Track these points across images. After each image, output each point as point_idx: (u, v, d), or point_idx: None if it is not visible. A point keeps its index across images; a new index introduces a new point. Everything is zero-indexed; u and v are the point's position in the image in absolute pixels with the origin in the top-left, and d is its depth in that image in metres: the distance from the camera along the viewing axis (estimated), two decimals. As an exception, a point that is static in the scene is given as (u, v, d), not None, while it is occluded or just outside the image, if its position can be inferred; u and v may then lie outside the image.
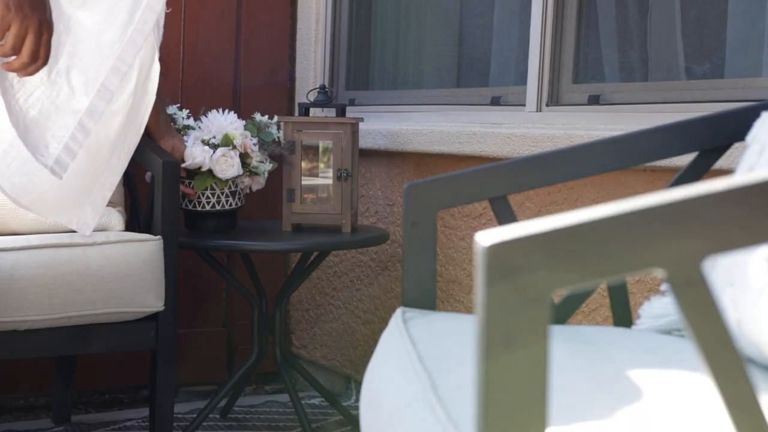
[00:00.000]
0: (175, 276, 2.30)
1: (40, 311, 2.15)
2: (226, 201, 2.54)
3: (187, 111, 2.63)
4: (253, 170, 2.55)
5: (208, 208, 2.53)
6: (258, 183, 2.62)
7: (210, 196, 2.52)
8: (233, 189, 2.54)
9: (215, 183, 2.51)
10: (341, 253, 3.02)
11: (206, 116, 2.58)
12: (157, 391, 2.31)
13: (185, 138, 2.53)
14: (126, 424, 2.76)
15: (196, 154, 2.49)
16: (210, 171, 2.49)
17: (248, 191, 2.63)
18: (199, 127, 2.55)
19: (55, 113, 1.89)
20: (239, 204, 2.57)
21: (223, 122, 2.54)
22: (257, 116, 2.62)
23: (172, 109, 2.61)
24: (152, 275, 2.26)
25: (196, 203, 2.53)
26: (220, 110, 2.58)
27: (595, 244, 0.68)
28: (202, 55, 3.10)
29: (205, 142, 2.50)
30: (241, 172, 2.52)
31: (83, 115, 1.90)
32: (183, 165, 2.50)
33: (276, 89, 3.21)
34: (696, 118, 1.59)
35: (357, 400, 2.95)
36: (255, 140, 2.56)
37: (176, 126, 2.58)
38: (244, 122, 2.59)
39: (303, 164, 2.58)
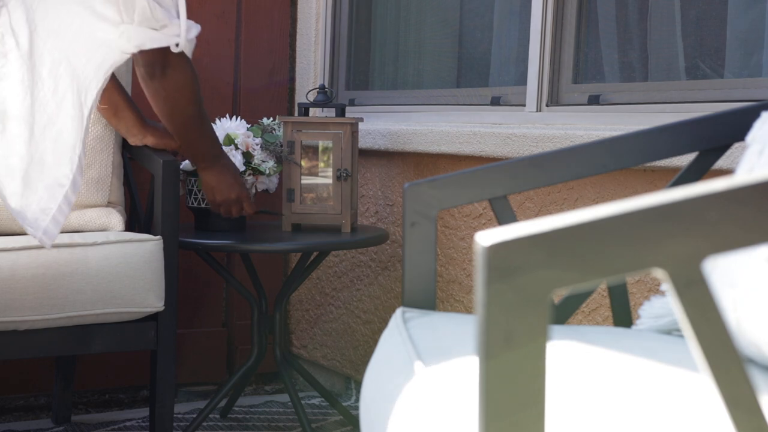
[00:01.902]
0: (175, 276, 2.30)
1: (40, 311, 2.15)
2: None
3: None
4: (256, 168, 2.60)
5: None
6: (263, 183, 2.65)
7: None
8: None
9: None
10: (341, 253, 3.02)
11: (215, 124, 2.65)
12: (157, 391, 2.31)
13: None
14: (126, 424, 2.76)
15: None
16: None
17: (254, 191, 2.66)
18: None
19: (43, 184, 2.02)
20: None
21: (229, 125, 2.61)
22: (264, 120, 2.68)
23: None
24: (152, 275, 2.26)
25: (201, 200, 2.57)
26: (229, 117, 2.66)
27: (596, 244, 0.68)
28: (201, 56, 3.10)
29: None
30: (243, 168, 2.58)
31: (68, 189, 2.02)
32: (181, 167, 2.54)
33: (276, 89, 3.21)
34: (696, 118, 1.59)
35: (357, 400, 2.95)
36: (258, 140, 2.61)
37: None
38: (249, 125, 2.67)
39: (303, 164, 2.59)
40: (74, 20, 2.01)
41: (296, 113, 2.91)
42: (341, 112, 2.63)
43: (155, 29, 2.05)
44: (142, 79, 2.20)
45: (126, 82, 2.61)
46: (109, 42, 2.03)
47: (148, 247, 2.27)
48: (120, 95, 2.41)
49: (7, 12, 1.95)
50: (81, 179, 2.04)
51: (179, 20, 2.08)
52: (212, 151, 2.39)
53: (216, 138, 2.40)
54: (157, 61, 2.14)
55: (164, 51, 2.10)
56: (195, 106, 2.27)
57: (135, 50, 2.06)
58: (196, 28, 2.12)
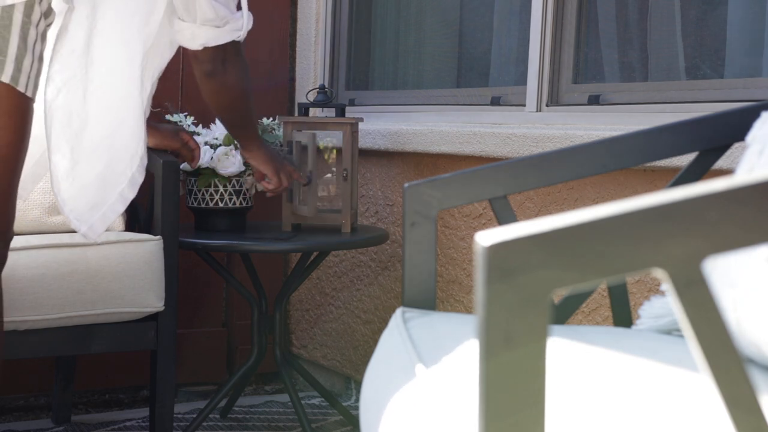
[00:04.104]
0: (175, 276, 2.31)
1: (40, 311, 2.15)
2: (230, 199, 2.57)
3: (193, 118, 2.66)
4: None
5: (211, 205, 2.57)
6: None
7: (213, 193, 2.57)
8: (237, 188, 2.58)
9: (218, 180, 2.56)
10: (341, 253, 3.02)
11: (215, 124, 2.66)
12: (157, 391, 2.31)
13: None
14: (126, 424, 2.76)
15: None
16: (213, 170, 2.55)
17: (254, 190, 2.66)
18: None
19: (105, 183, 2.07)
20: (246, 204, 2.61)
21: None
22: (264, 120, 2.68)
23: (177, 117, 2.64)
24: (152, 275, 2.26)
25: (201, 201, 2.57)
26: None
27: (596, 244, 0.68)
28: (202, 55, 3.10)
29: (207, 143, 2.56)
30: (242, 168, 2.57)
31: (125, 186, 2.07)
32: (181, 167, 2.54)
33: (276, 89, 3.21)
34: (696, 118, 1.59)
35: (357, 400, 2.95)
36: (258, 140, 2.62)
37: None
38: None
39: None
40: (135, 19, 2.03)
41: (296, 113, 2.91)
42: (341, 112, 2.63)
43: (218, 27, 2.09)
44: (202, 78, 2.20)
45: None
46: (160, 44, 2.07)
47: (148, 247, 2.27)
48: None
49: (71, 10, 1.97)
50: (141, 178, 2.07)
51: (240, 13, 2.11)
52: (257, 131, 2.42)
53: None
54: (218, 57, 2.16)
55: (224, 46, 2.14)
56: (250, 95, 2.30)
57: (199, 48, 2.11)
58: (251, 18, 2.17)
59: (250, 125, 2.36)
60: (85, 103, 2.00)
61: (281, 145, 2.61)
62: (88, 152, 2.01)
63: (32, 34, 1.76)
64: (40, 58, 1.80)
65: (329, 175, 2.70)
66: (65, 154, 2.00)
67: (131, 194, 2.07)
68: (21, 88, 1.73)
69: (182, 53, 3.06)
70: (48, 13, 1.82)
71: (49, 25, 1.84)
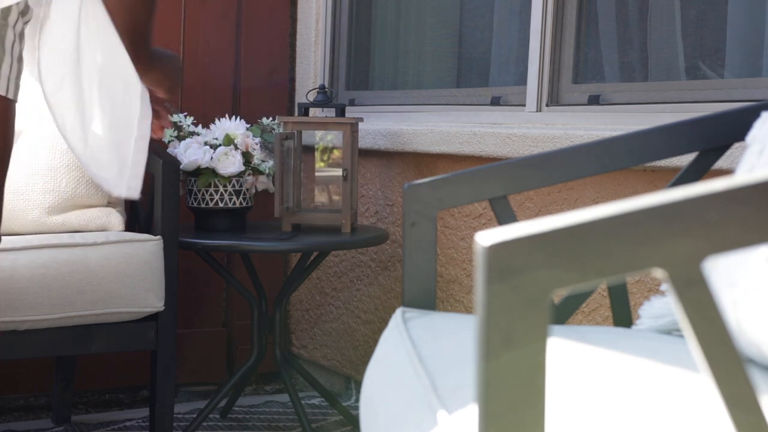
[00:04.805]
0: (175, 276, 2.31)
1: (40, 311, 2.15)
2: (230, 199, 2.57)
3: (193, 118, 2.66)
4: (256, 168, 2.60)
5: (211, 205, 2.57)
6: (263, 183, 2.66)
7: (213, 193, 2.57)
8: (237, 188, 2.58)
9: (218, 180, 2.56)
10: (341, 253, 3.02)
11: (215, 124, 2.65)
12: (157, 391, 2.31)
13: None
14: (126, 424, 2.76)
15: (190, 155, 2.54)
16: (212, 170, 2.55)
17: (254, 191, 2.66)
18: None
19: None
20: (246, 204, 2.61)
21: (229, 125, 2.61)
22: (264, 120, 2.68)
23: (177, 117, 2.64)
24: (152, 275, 2.26)
25: (201, 201, 2.57)
26: (228, 117, 2.66)
27: (595, 244, 0.68)
28: (202, 56, 3.10)
29: (207, 143, 2.57)
30: (242, 168, 2.58)
31: (137, 135, 2.03)
32: (181, 167, 2.54)
33: (276, 89, 3.21)
34: (696, 118, 1.59)
35: (357, 400, 2.95)
36: (258, 140, 2.62)
37: (182, 133, 2.62)
38: (248, 125, 2.67)
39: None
40: None
41: (296, 113, 2.91)
42: (341, 112, 2.63)
43: None
44: None
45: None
46: None
47: (148, 247, 2.27)
48: None
49: None
50: (150, 113, 1.99)
51: None
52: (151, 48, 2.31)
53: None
54: None
55: None
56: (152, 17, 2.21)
57: None
58: None
59: (148, 35, 2.25)
60: (80, 71, 1.97)
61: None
62: (95, 114, 1.98)
63: (10, 36, 1.74)
64: (20, 59, 1.78)
65: (328, 174, 2.71)
66: (81, 136, 1.96)
67: (146, 144, 2.01)
68: (1, 91, 1.72)
69: (183, 52, 3.07)
70: (25, 12, 1.80)
71: (27, 23, 1.83)
